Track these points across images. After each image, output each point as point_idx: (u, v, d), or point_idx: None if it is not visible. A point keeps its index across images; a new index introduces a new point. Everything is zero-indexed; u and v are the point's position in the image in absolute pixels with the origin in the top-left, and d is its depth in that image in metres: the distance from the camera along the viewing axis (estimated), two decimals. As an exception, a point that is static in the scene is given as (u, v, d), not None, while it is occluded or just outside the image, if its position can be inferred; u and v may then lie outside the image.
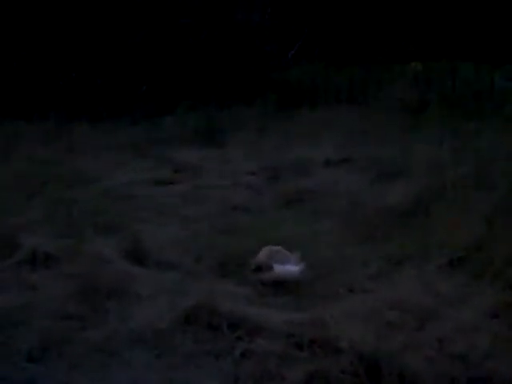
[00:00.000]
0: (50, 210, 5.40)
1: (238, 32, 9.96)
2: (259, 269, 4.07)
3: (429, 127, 7.01)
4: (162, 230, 5.00)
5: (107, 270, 4.13)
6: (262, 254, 4.10)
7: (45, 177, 6.42)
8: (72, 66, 9.83)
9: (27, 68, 9.84)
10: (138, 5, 9.92)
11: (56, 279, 4.09)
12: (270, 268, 4.05)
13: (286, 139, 7.46)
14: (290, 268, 4.04)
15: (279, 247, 4.14)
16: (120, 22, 9.84)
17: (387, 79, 9.24)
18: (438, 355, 3.11)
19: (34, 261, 4.33)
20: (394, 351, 3.09)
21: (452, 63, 9.02)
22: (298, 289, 4.01)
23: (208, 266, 4.41)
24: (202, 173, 6.71)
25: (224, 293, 3.88)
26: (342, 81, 9.48)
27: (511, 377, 2.90)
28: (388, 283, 3.85)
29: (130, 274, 4.13)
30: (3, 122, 8.57)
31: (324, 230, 4.90)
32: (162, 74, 9.74)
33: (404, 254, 4.27)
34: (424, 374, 2.98)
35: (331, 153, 6.83)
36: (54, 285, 4.01)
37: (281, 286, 4.01)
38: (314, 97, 8.89)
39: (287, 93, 9.24)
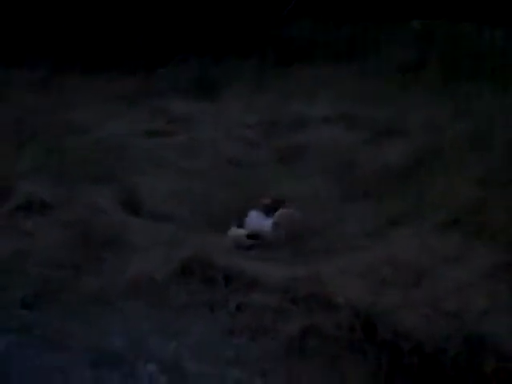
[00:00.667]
0: (43, 159, 5.33)
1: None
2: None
3: (427, 87, 6.93)
4: (156, 181, 4.95)
5: (102, 220, 4.10)
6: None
7: (36, 126, 6.33)
8: (66, 14, 9.61)
9: (19, 14, 9.62)
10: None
11: (51, 227, 4.06)
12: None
13: (283, 94, 7.35)
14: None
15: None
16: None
17: (386, 38, 9.11)
18: (433, 313, 3.11)
19: (29, 208, 4.29)
20: (390, 308, 3.09)
21: (452, 22, 8.90)
22: (293, 244, 4.01)
23: (203, 219, 4.40)
24: (197, 125, 6.61)
25: (219, 246, 3.87)
26: (340, 38, 9.34)
27: (506, 336, 2.92)
28: (384, 241, 3.84)
29: (125, 225, 4.11)
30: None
31: (319, 187, 4.88)
32: (157, 24, 9.56)
33: (400, 213, 4.25)
34: (419, 331, 2.99)
35: (329, 110, 6.75)
36: (49, 233, 3.99)
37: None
38: (312, 54, 8.76)
39: (285, 48, 9.11)
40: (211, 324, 3.25)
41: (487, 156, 4.88)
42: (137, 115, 6.94)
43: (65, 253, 3.76)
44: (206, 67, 8.47)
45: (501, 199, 4.17)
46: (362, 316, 3.04)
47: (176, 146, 6.01)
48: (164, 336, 3.15)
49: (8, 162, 5.19)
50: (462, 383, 2.81)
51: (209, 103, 7.35)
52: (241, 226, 4.24)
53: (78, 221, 4.04)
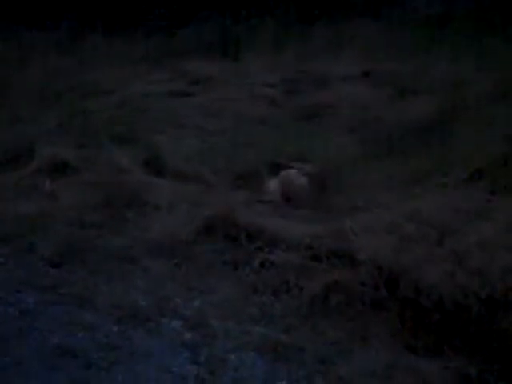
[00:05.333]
0: (66, 120, 5.36)
1: None
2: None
3: (452, 42, 6.79)
4: (179, 141, 4.97)
5: (126, 180, 4.13)
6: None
7: (59, 87, 6.35)
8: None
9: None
10: None
11: (75, 188, 4.10)
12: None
13: (305, 53, 7.27)
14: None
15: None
16: None
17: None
18: (456, 269, 3.09)
19: (52, 169, 4.33)
20: (413, 264, 3.08)
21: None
22: (316, 202, 4.00)
23: (225, 178, 4.40)
24: (219, 85, 6.59)
25: (242, 205, 3.87)
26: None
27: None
28: (408, 198, 3.80)
29: (149, 185, 4.13)
30: (17, 30, 8.40)
31: (343, 145, 4.85)
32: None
33: (425, 169, 4.21)
34: (442, 288, 2.97)
35: (352, 67, 6.67)
36: (73, 193, 4.02)
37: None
38: (334, 9, 8.62)
39: (307, 6, 8.97)
40: (235, 282, 3.28)
41: (513, 111, 4.80)
42: (159, 76, 6.93)
43: (89, 213, 3.80)
44: (227, 27, 8.39)
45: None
46: (384, 273, 3.04)
47: (198, 106, 6.00)
48: (188, 294, 3.19)
49: (31, 123, 5.23)
50: (484, 340, 2.81)
51: (230, 63, 7.31)
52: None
53: (102, 181, 4.07)
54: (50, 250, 3.44)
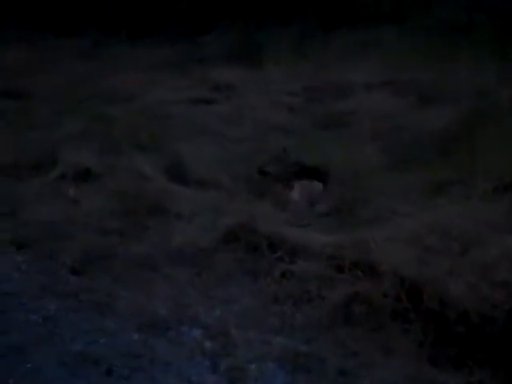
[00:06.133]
0: (89, 126, 5.39)
1: None
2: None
3: (475, 49, 6.74)
4: (201, 149, 4.96)
5: (147, 187, 4.13)
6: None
7: (82, 93, 6.40)
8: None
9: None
10: None
11: (96, 194, 4.11)
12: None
13: (326, 60, 7.26)
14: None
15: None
16: None
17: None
18: (480, 281, 3.06)
19: (74, 176, 4.35)
20: (436, 276, 3.05)
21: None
22: (337, 212, 3.98)
23: (247, 186, 4.40)
24: (241, 92, 6.59)
25: (263, 213, 3.86)
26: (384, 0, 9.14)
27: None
28: (430, 208, 3.77)
29: (170, 192, 4.14)
30: (43, 36, 8.51)
31: (364, 154, 4.81)
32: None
33: (448, 180, 4.17)
34: (466, 300, 2.94)
35: (373, 75, 6.63)
36: (95, 200, 4.04)
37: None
38: (357, 16, 8.60)
39: (327, 11, 8.96)
40: (255, 291, 3.27)
41: (538, 120, 4.74)
42: (181, 82, 6.95)
43: (110, 220, 3.81)
44: (248, 34, 8.41)
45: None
46: (407, 284, 3.01)
47: (220, 113, 6.00)
48: (209, 302, 3.18)
49: (54, 129, 5.27)
50: (509, 354, 2.76)
51: (252, 70, 7.31)
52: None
53: (123, 188, 4.08)
54: (72, 256, 3.45)
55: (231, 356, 2.80)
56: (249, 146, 5.09)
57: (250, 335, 2.93)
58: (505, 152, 4.32)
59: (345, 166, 4.49)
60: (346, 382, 2.68)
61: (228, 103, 6.31)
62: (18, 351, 2.79)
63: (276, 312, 3.10)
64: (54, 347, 2.83)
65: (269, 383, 2.67)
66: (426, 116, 5.44)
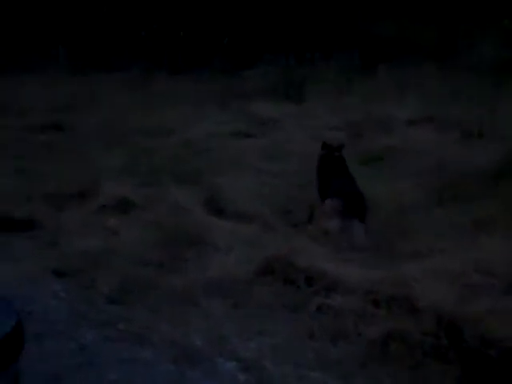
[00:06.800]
0: (131, 158, 5.48)
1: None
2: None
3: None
4: (240, 182, 4.99)
5: (186, 219, 4.16)
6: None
7: (125, 126, 6.51)
8: (154, 17, 9.87)
9: (110, 20, 9.95)
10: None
11: (136, 226, 4.15)
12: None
13: (368, 96, 7.27)
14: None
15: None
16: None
17: (477, 37, 8.85)
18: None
19: (115, 207, 4.41)
20: (477, 314, 2.98)
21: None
22: (377, 247, 3.94)
23: (285, 220, 4.39)
24: (282, 127, 6.63)
25: (301, 247, 3.84)
26: (429, 37, 9.15)
27: None
28: (473, 245, 3.71)
29: (209, 224, 4.15)
30: (87, 72, 8.73)
31: (406, 189, 4.77)
32: (243, 26, 9.66)
33: (490, 216, 4.10)
34: (508, 340, 2.86)
35: (415, 111, 6.62)
36: (134, 231, 4.08)
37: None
38: (398, 52, 8.62)
39: (371, 47, 9.01)
40: (292, 325, 3.24)
41: None
42: (222, 117, 7.03)
43: (149, 251, 3.84)
44: (290, 68, 8.48)
45: None
46: (446, 322, 2.95)
47: (261, 147, 6.03)
48: (245, 335, 3.16)
49: (97, 162, 5.37)
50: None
51: (293, 105, 7.36)
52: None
53: (163, 220, 4.11)
54: (111, 286, 3.48)
55: (266, 390, 2.77)
56: (289, 180, 5.09)
57: (285, 369, 2.90)
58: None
59: (387, 201, 4.45)
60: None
61: (269, 137, 6.34)
62: (55, 379, 2.81)
63: (312, 347, 3.06)
64: (90, 376, 2.84)
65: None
66: (469, 153, 5.39)
